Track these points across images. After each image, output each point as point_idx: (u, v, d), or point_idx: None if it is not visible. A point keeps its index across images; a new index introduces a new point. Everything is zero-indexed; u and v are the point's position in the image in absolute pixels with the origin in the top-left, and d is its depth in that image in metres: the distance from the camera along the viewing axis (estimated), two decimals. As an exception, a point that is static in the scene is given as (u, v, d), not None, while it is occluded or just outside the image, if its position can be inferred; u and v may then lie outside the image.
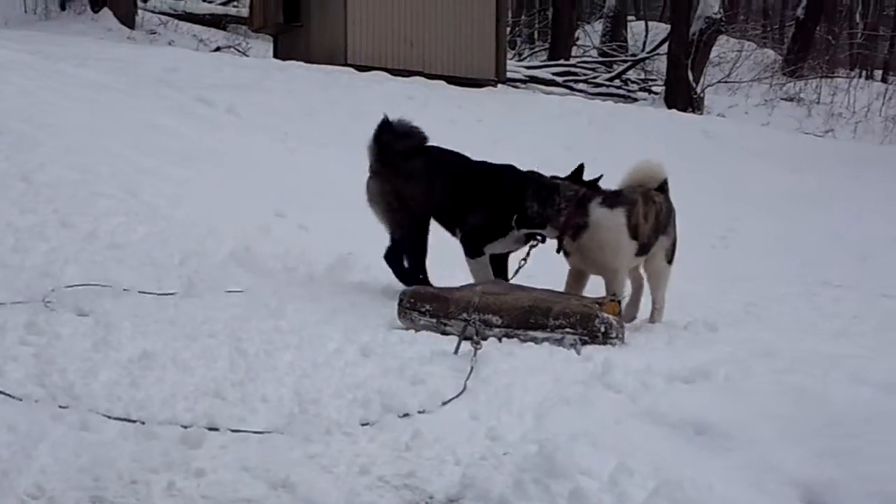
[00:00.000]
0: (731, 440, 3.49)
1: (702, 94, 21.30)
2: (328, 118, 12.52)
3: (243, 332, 4.36)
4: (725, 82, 23.24)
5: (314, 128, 12.00)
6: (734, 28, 26.68)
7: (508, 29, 22.91)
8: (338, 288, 5.74)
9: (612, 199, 5.54)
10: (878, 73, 31.91)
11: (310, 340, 4.35)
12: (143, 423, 3.30)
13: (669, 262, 5.83)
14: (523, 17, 31.33)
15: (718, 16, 21.77)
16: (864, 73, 30.05)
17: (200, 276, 5.35)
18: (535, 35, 30.64)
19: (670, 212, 5.80)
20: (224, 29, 24.98)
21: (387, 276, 6.05)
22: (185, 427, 3.28)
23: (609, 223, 5.47)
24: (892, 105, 22.97)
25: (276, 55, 19.01)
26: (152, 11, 24.13)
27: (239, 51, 21.75)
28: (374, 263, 6.37)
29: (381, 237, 6.08)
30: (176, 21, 24.04)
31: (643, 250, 5.63)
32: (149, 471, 2.96)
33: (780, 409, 3.67)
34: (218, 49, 21.66)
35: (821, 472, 3.33)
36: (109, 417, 3.31)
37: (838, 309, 7.41)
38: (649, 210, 5.59)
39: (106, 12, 21.69)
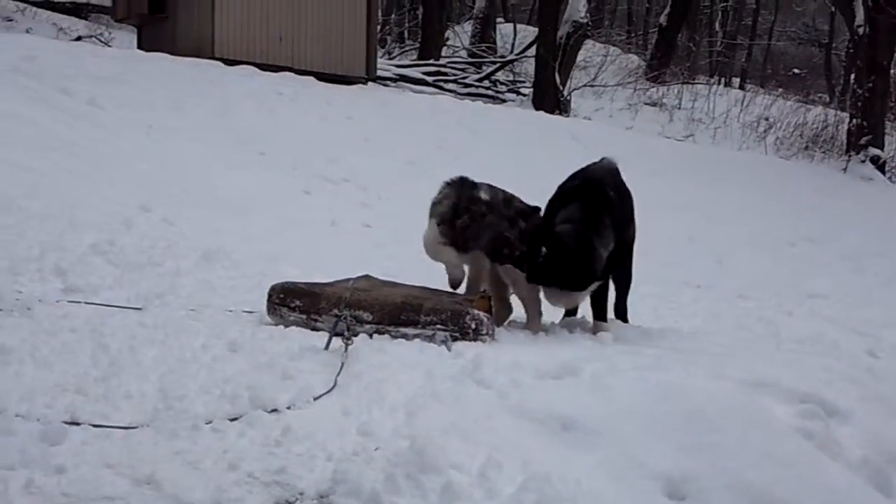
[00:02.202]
0: (597, 435, 3.56)
1: (568, 97, 21.67)
2: (195, 112, 12.27)
3: (106, 327, 4.25)
4: (591, 86, 23.70)
5: (181, 121, 11.76)
6: (600, 33, 27.23)
7: (379, 27, 22.85)
8: (205, 283, 5.63)
9: None
10: (736, 81, 33.13)
11: (176, 335, 4.26)
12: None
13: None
14: (393, 15, 31.30)
15: (585, 20, 22.17)
16: (723, 80, 31.16)
17: (61, 270, 5.18)
18: (406, 34, 30.68)
19: (475, 219, 5.26)
20: (86, 18, 24.21)
21: (256, 272, 5.97)
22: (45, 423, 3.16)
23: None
24: (750, 112, 23.81)
25: (140, 47, 18.54)
26: (9, -2, 23.27)
27: (101, 41, 21.09)
28: (244, 259, 6.27)
29: (249, 232, 5.99)
30: (34, 9, 23.21)
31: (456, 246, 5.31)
32: (6, 468, 2.85)
33: (644, 405, 3.75)
34: (79, 38, 20.98)
35: (682, 465, 3.44)
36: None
37: (697, 308, 7.64)
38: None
39: (-42, -1, 20.86)
